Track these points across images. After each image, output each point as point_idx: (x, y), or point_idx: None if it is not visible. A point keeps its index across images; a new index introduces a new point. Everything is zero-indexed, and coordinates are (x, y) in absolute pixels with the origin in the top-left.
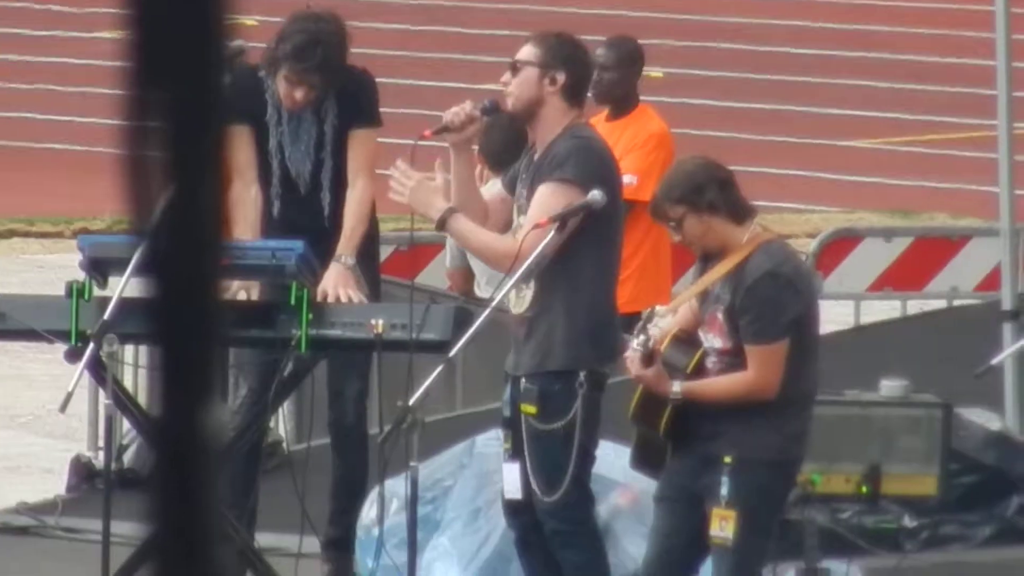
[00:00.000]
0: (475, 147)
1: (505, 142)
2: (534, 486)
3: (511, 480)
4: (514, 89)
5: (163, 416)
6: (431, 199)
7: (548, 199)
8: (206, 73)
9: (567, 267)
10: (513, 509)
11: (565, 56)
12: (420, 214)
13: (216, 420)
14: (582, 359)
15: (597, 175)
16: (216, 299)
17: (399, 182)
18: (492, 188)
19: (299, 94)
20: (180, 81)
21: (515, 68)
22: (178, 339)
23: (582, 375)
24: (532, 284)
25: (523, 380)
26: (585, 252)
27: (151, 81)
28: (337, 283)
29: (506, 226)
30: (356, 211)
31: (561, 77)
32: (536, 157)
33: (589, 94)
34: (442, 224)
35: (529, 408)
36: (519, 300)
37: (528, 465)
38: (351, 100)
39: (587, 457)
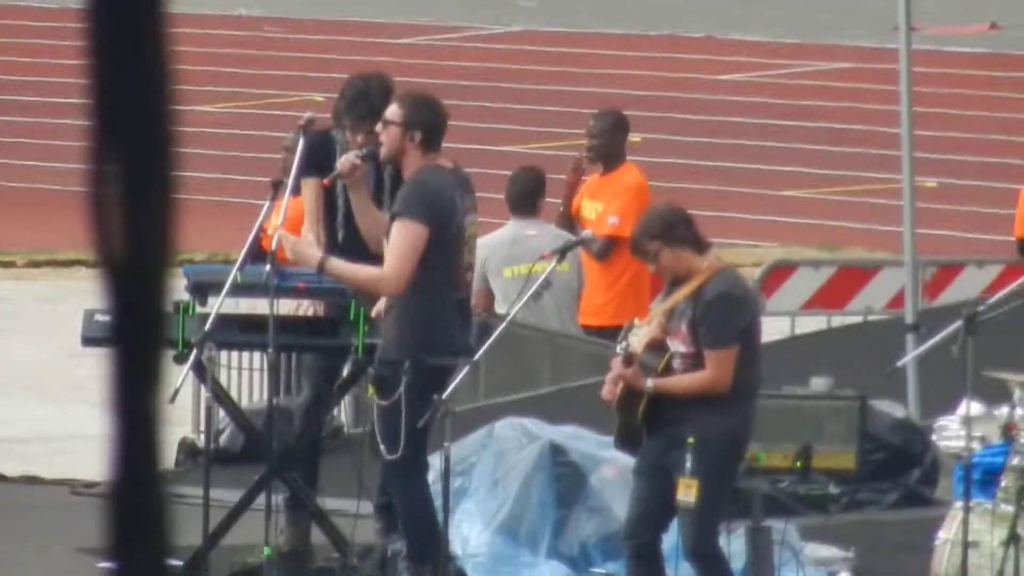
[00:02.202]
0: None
1: (524, 190)
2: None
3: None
4: (384, 141)
5: (114, 411)
6: (307, 252)
7: (396, 234)
8: (157, 132)
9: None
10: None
11: (421, 117)
12: (303, 264)
13: (153, 419)
14: (406, 350)
15: (415, 205)
16: (155, 317)
17: (283, 244)
18: (511, 231)
19: (360, 139)
20: (135, 141)
21: (384, 123)
22: (127, 349)
23: (407, 364)
24: None
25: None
26: (422, 267)
27: (109, 135)
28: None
29: None
30: (366, 268)
31: (418, 135)
32: None
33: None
34: (321, 268)
35: (371, 387)
36: (381, 301)
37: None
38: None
39: (414, 431)
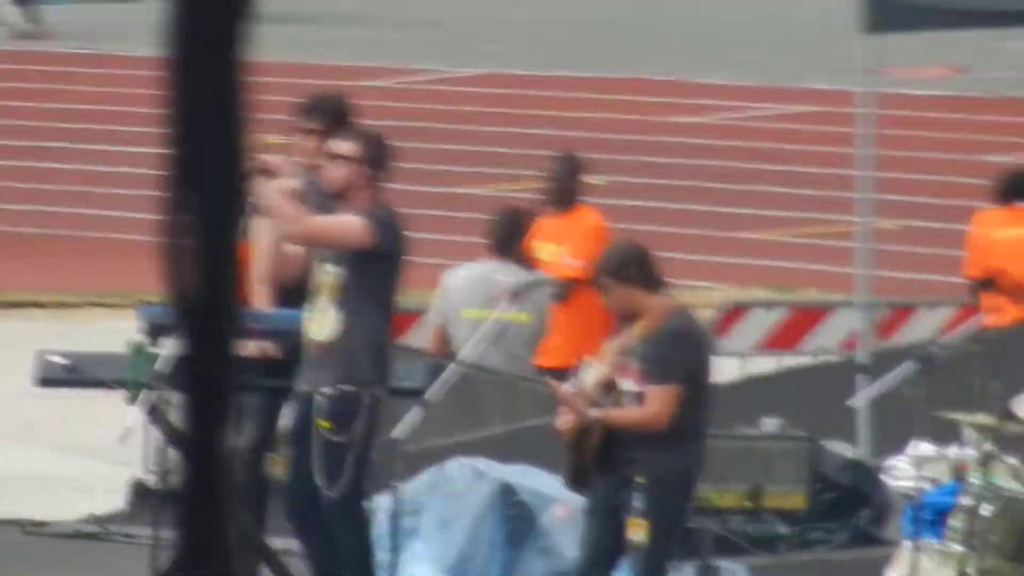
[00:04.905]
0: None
1: (507, 231)
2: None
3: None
4: (334, 174)
5: (189, 443)
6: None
7: (349, 220)
8: (228, 180)
9: (361, 305)
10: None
11: (376, 154)
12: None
13: (228, 449)
14: (368, 380)
15: (382, 238)
16: (229, 355)
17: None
18: (479, 271)
19: (310, 146)
20: (207, 187)
21: (336, 157)
22: (201, 385)
23: (366, 394)
24: (334, 317)
25: (318, 397)
26: (374, 294)
27: (186, 186)
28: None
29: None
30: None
31: (370, 171)
32: None
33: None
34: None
35: (323, 422)
36: (320, 331)
37: (316, 466)
38: None
39: (366, 462)
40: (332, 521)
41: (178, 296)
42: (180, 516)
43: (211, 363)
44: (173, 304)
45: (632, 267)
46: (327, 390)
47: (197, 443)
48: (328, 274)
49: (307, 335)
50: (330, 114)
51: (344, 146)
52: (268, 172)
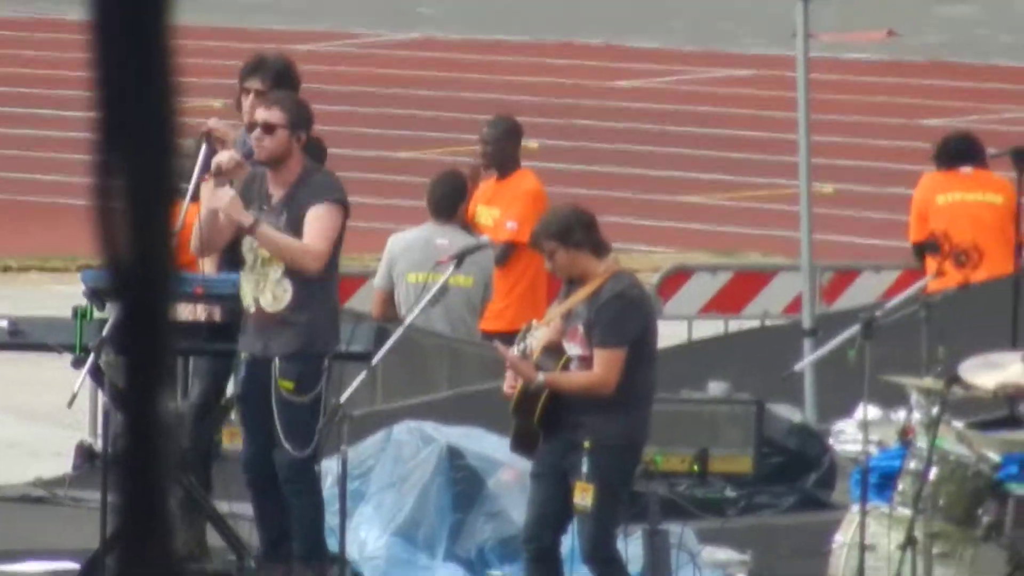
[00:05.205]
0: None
1: (445, 194)
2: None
3: None
4: (269, 145)
5: (126, 409)
6: (241, 211)
7: (326, 216)
8: (157, 142)
9: (322, 274)
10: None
11: (305, 118)
12: (233, 219)
13: (166, 413)
14: (327, 343)
15: (340, 192)
16: (164, 319)
17: (216, 197)
18: (427, 235)
19: (249, 100)
20: (135, 149)
21: (269, 128)
22: (136, 349)
23: (326, 357)
24: (288, 287)
25: (278, 361)
26: (334, 257)
27: (114, 149)
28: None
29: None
30: (294, 239)
31: (303, 136)
32: (281, 193)
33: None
34: (252, 230)
35: (286, 383)
36: (275, 301)
37: (280, 429)
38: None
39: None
40: (287, 483)
41: (110, 260)
42: (119, 481)
43: (146, 327)
44: (106, 268)
45: (578, 231)
46: (290, 352)
47: (134, 408)
48: None
49: (254, 304)
50: (272, 74)
51: (274, 114)
52: (218, 140)
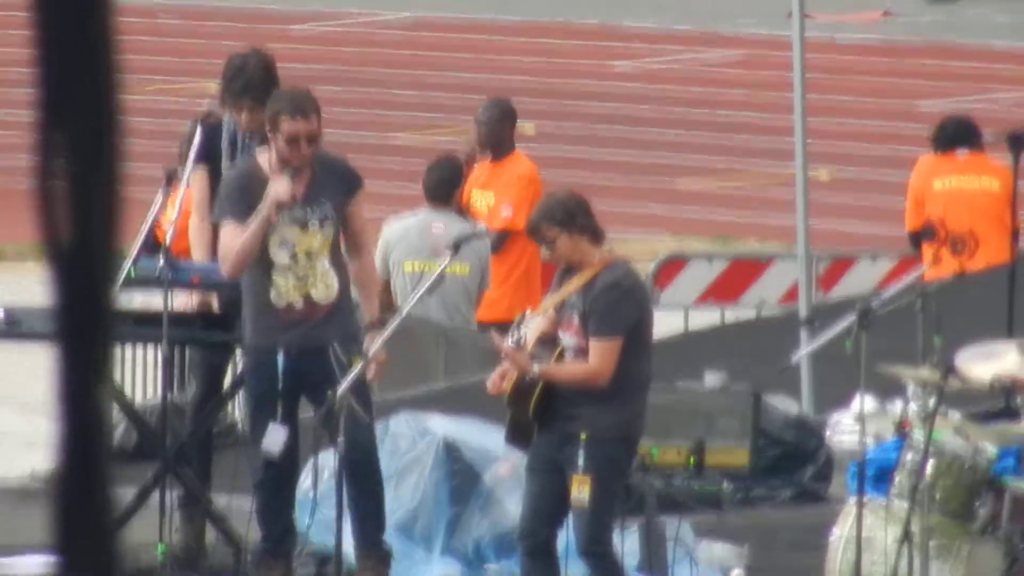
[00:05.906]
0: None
1: (441, 179)
2: None
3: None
4: (309, 152)
5: (63, 399)
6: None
7: (364, 208)
8: (98, 122)
9: (342, 261)
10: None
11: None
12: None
13: (103, 405)
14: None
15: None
16: (105, 305)
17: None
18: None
19: (243, 116)
20: (76, 129)
21: (314, 139)
22: (74, 337)
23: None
24: (336, 277)
25: (338, 344)
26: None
27: (55, 128)
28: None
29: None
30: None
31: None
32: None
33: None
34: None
35: (357, 360)
36: (327, 291)
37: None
38: None
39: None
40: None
41: (50, 243)
42: (56, 474)
43: (85, 314)
44: (46, 251)
45: (580, 217)
46: (353, 332)
47: (71, 398)
48: (315, 235)
49: (302, 300)
50: (261, 89)
51: (312, 124)
52: (212, 119)
